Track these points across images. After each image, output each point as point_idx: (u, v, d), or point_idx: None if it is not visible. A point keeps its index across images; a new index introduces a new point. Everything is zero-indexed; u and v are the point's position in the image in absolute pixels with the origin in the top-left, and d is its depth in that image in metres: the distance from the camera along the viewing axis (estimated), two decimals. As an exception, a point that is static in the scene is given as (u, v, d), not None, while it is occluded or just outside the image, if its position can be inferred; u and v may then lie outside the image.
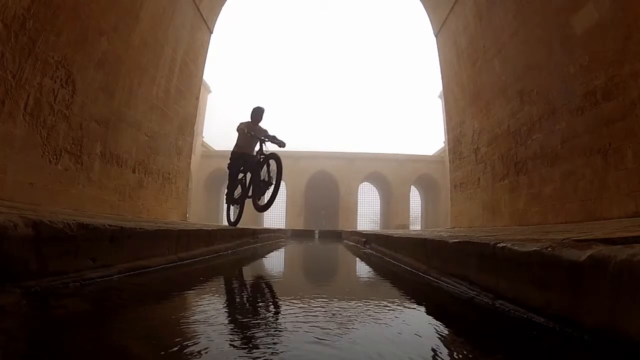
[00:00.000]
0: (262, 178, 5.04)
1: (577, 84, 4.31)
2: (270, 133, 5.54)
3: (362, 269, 3.17)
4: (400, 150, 21.70)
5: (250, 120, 5.56)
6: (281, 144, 5.32)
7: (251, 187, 5.34)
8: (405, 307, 1.55)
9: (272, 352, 0.84)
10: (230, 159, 5.55)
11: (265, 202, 4.96)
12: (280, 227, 15.71)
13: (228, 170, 5.59)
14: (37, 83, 3.91)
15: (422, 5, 9.52)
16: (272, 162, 4.97)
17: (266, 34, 72.45)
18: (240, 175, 5.58)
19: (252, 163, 5.28)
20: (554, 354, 0.86)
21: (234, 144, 5.60)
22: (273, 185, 4.85)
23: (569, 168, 4.54)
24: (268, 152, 5.16)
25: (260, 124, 5.60)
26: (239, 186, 5.61)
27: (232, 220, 5.77)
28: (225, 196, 5.89)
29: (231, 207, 5.87)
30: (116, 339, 0.91)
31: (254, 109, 5.61)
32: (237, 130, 5.48)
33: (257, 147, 5.34)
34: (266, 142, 5.26)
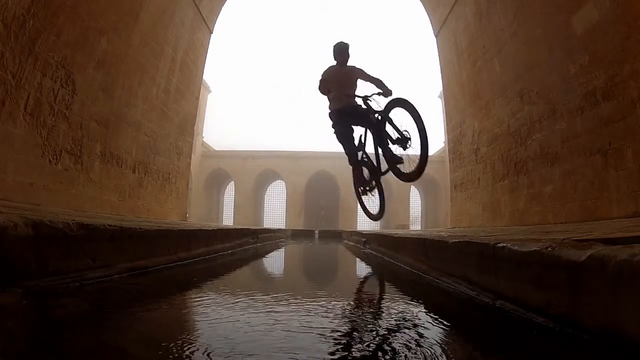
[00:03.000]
0: (394, 136, 3.52)
1: (577, 84, 4.31)
2: (370, 73, 3.98)
3: (362, 269, 3.17)
4: (400, 150, 21.61)
5: (335, 63, 4.04)
6: (388, 93, 3.72)
7: (379, 151, 3.74)
8: (405, 306, 1.55)
9: (274, 352, 0.83)
10: (333, 127, 3.99)
11: (416, 166, 3.29)
12: (280, 227, 15.71)
13: (341, 145, 4.03)
14: (37, 83, 3.91)
15: (422, 5, 9.52)
16: (401, 111, 3.44)
17: (266, 34, 72.47)
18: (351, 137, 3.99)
19: (364, 115, 3.77)
20: (554, 354, 0.86)
21: (329, 104, 3.99)
22: (419, 139, 3.19)
23: (569, 168, 4.54)
24: (390, 99, 3.60)
25: (349, 64, 4.05)
26: (363, 166, 4.13)
27: (372, 213, 4.33)
28: (353, 184, 4.39)
29: (364, 197, 4.40)
30: (116, 339, 0.91)
31: (336, 47, 4.03)
32: (321, 89, 3.93)
33: (358, 92, 3.96)
34: (371, 98, 3.74)
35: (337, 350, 0.87)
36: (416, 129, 3.21)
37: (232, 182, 20.61)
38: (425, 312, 1.42)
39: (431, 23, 9.46)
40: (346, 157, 4.15)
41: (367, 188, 4.19)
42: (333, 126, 4.00)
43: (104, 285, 1.53)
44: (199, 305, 1.42)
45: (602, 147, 3.97)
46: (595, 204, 4.09)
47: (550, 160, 4.93)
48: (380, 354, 0.88)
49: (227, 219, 21.02)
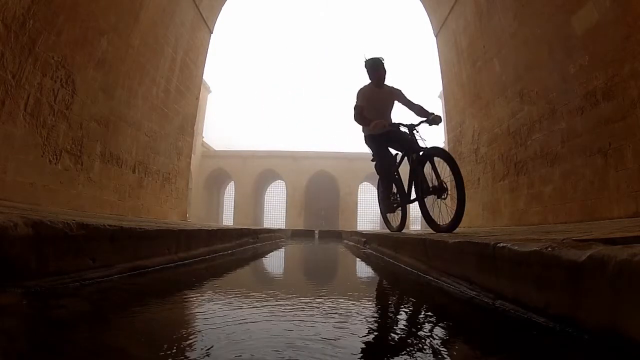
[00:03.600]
0: (430, 185, 3.25)
1: (577, 84, 4.31)
2: (408, 96, 3.70)
3: (362, 269, 3.17)
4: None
5: (370, 82, 3.68)
6: (437, 120, 3.37)
7: (412, 186, 3.51)
8: (404, 306, 1.55)
9: (276, 351, 0.83)
10: (371, 148, 3.75)
11: (450, 221, 3.00)
12: (280, 227, 15.71)
13: (376, 165, 3.83)
14: (37, 83, 3.92)
15: (422, 6, 9.53)
16: (439, 162, 3.18)
17: (266, 34, 72.51)
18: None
19: (408, 142, 3.41)
20: (554, 354, 0.86)
21: (370, 126, 3.53)
22: (457, 197, 2.93)
23: (569, 168, 4.54)
24: (428, 147, 3.33)
25: (386, 84, 3.70)
26: (394, 185, 3.88)
27: (393, 226, 4.23)
28: (378, 199, 4.22)
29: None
30: (116, 339, 0.91)
31: (370, 63, 3.63)
32: (358, 117, 3.57)
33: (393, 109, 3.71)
34: (417, 129, 3.39)
35: (337, 349, 0.87)
36: (455, 185, 2.94)
37: (232, 182, 20.63)
38: (424, 311, 1.42)
39: (431, 23, 9.46)
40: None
41: (394, 207, 3.92)
42: (373, 153, 3.77)
43: (104, 285, 1.53)
44: (199, 305, 1.42)
45: (602, 147, 3.97)
46: (595, 204, 4.09)
47: (550, 160, 4.93)
48: (380, 353, 0.88)
49: (227, 219, 21.03)
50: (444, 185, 3.13)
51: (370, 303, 1.58)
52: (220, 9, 9.33)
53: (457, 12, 7.91)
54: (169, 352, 0.81)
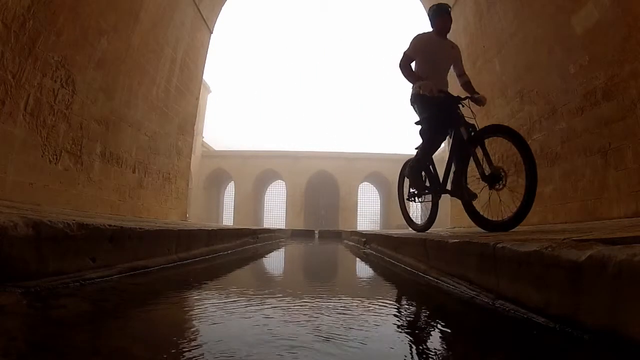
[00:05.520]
0: (486, 170, 2.63)
1: (577, 84, 4.31)
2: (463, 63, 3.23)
3: (362, 269, 3.17)
4: (400, 150, 21.58)
5: (432, 30, 3.18)
6: (482, 101, 2.98)
7: (451, 173, 3.09)
8: (404, 306, 1.55)
9: (275, 354, 0.83)
10: (418, 109, 3.16)
11: (513, 214, 2.42)
12: (280, 227, 15.70)
13: (420, 130, 3.21)
14: (37, 83, 3.91)
15: (422, 5, 9.52)
16: (504, 141, 2.62)
17: (266, 34, 72.58)
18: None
19: (456, 118, 2.92)
20: (554, 354, 0.86)
21: (416, 84, 3.06)
22: (527, 183, 2.34)
23: (569, 168, 4.54)
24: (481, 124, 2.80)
25: (449, 38, 3.22)
26: (424, 172, 3.32)
27: (417, 223, 3.66)
28: (401, 172, 3.66)
29: (412, 203, 3.59)
30: (116, 339, 0.91)
31: (434, 8, 3.16)
32: (405, 64, 3.08)
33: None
34: (464, 103, 2.99)
35: (334, 346, 0.86)
36: (525, 170, 2.34)
37: (232, 182, 20.62)
38: (424, 311, 1.42)
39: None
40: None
41: (423, 182, 3.33)
42: (419, 115, 3.15)
43: (104, 285, 1.53)
44: (199, 305, 1.42)
45: (602, 147, 3.96)
46: (595, 204, 4.09)
47: (550, 160, 4.93)
48: (381, 352, 0.88)
49: (227, 219, 21.03)
50: (501, 172, 2.55)
51: (369, 303, 1.58)
52: (220, 9, 9.32)
53: (457, 11, 7.90)
54: (169, 351, 0.81)
